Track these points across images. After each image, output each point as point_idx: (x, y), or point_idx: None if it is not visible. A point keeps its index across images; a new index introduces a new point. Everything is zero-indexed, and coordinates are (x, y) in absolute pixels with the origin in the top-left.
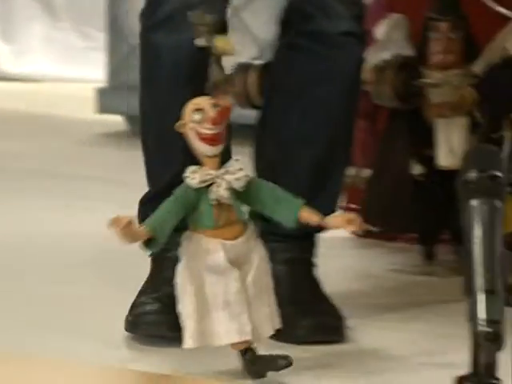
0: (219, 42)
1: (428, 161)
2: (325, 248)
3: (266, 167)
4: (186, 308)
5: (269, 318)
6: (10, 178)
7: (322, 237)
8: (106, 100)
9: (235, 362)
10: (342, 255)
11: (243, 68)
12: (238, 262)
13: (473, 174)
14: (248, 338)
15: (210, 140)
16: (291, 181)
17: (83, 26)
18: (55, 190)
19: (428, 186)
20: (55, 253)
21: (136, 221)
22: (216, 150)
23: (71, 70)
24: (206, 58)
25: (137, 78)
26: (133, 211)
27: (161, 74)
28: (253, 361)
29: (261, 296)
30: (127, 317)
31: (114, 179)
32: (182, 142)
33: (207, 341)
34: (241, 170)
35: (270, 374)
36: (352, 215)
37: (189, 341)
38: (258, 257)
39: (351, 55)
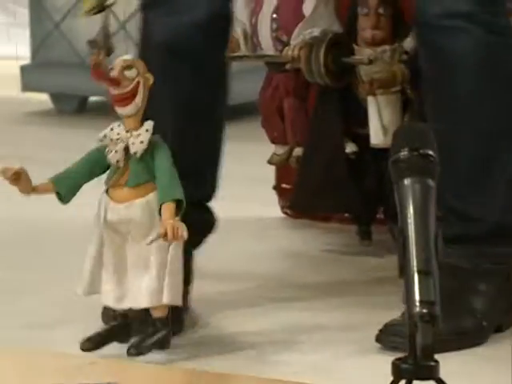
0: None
1: (361, 139)
2: (259, 228)
3: None
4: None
5: (149, 291)
6: None
7: (256, 217)
8: (30, 78)
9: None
10: (276, 235)
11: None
12: (119, 227)
13: (404, 153)
14: (108, 303)
15: (114, 101)
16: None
17: (5, 1)
18: None
19: (361, 165)
20: None
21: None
22: (123, 110)
23: None
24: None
25: (60, 55)
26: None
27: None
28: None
29: (141, 267)
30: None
31: (41, 158)
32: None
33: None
34: (139, 135)
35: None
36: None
37: (78, 289)
38: (156, 233)
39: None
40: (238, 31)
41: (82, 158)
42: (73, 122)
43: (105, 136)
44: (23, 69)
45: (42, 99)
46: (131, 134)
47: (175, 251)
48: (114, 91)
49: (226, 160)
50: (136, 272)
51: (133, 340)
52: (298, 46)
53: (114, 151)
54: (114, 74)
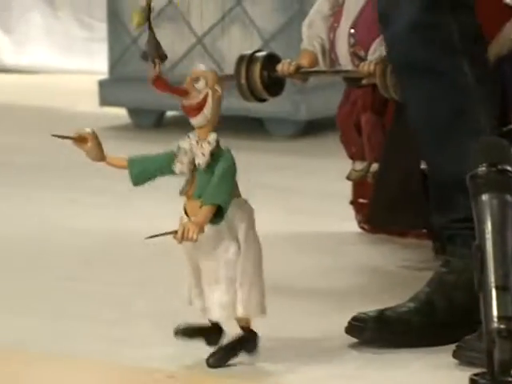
0: (133, 14)
1: None
2: (335, 243)
3: None
4: None
5: (216, 305)
6: (12, 173)
7: (333, 232)
8: (108, 92)
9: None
10: (353, 251)
11: (245, 60)
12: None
13: (482, 169)
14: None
15: (185, 112)
16: None
17: (83, 15)
18: (59, 185)
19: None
20: (62, 249)
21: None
22: (193, 121)
23: (71, 62)
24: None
25: (138, 69)
26: (133, 204)
27: None
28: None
29: (213, 281)
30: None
31: (118, 173)
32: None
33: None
34: (202, 147)
35: None
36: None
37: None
38: (224, 247)
39: None
40: (316, 46)
41: (162, 153)
42: (150, 136)
43: (179, 146)
44: (101, 83)
45: (120, 114)
46: (199, 146)
47: (244, 265)
48: (185, 102)
49: (302, 175)
50: (209, 286)
51: (213, 350)
52: (373, 62)
53: (180, 162)
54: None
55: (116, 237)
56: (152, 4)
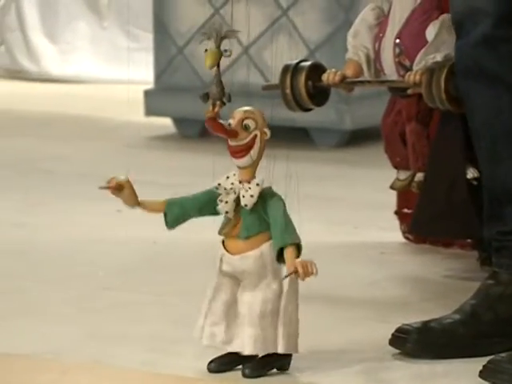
0: (207, 55)
1: None
2: (379, 253)
3: None
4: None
5: (252, 340)
6: (58, 183)
7: (376, 242)
8: (154, 102)
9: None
10: (397, 261)
11: (290, 69)
12: (234, 276)
13: None
14: (215, 345)
15: (230, 152)
16: None
17: (129, 25)
18: (105, 195)
19: (482, 191)
20: (108, 259)
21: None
22: (238, 162)
23: (117, 71)
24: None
25: (183, 79)
26: None
27: None
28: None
29: (248, 315)
30: None
31: (164, 183)
32: None
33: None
34: (250, 188)
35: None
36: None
37: (195, 333)
38: (265, 284)
39: None
40: (361, 56)
41: (199, 193)
42: (195, 146)
43: (219, 184)
44: (147, 93)
45: (165, 124)
46: (243, 186)
47: (287, 304)
48: (231, 142)
49: (347, 185)
50: (242, 322)
51: (249, 362)
52: (419, 71)
53: (224, 202)
54: (232, 124)
55: (158, 247)
56: (227, 49)
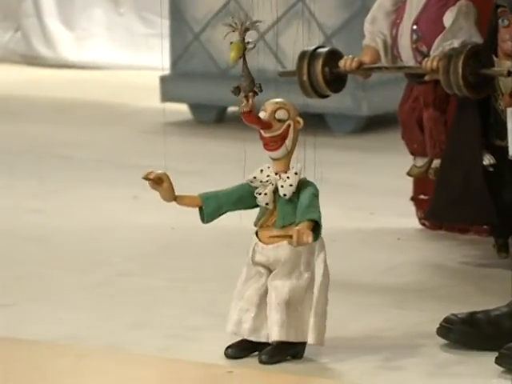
0: (232, 48)
1: (499, 151)
2: (397, 240)
3: None
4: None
5: (278, 325)
6: (75, 168)
7: (393, 228)
8: (170, 88)
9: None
10: (413, 247)
11: (307, 56)
12: (266, 266)
13: None
14: (240, 334)
15: (264, 144)
16: None
17: (145, 12)
18: (122, 181)
19: (499, 177)
20: (125, 245)
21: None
22: (272, 154)
23: (132, 57)
24: None
25: (200, 65)
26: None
27: None
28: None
29: (276, 304)
30: None
31: (180, 169)
32: None
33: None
34: (289, 178)
35: None
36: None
37: (228, 327)
38: (297, 273)
39: None
40: (378, 42)
41: (233, 187)
42: (212, 132)
43: (254, 177)
44: (163, 79)
45: (182, 110)
46: (280, 177)
47: (320, 296)
48: (265, 134)
49: (363, 171)
50: (270, 307)
51: (266, 349)
52: (436, 58)
53: (263, 193)
54: (265, 116)
55: (176, 233)
56: (251, 41)
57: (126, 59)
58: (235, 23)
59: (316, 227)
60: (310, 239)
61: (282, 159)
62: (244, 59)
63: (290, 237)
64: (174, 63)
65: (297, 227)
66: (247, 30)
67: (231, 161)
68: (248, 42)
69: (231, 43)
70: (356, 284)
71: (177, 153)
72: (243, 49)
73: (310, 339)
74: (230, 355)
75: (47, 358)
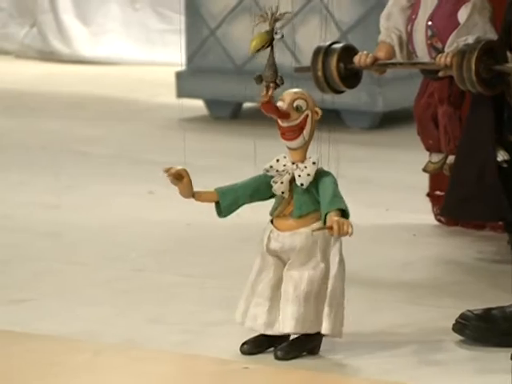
0: (254, 37)
1: None
2: (413, 236)
3: None
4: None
5: (294, 318)
6: (91, 164)
7: (408, 224)
8: (185, 84)
9: None
10: (428, 243)
11: (322, 51)
12: (281, 255)
13: None
14: (256, 329)
15: (282, 133)
16: None
17: (161, 7)
18: (137, 176)
19: None
20: (141, 240)
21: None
22: (289, 144)
23: (148, 53)
24: None
25: (215, 61)
26: None
27: None
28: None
29: (292, 295)
30: None
31: (195, 164)
32: None
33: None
34: (306, 167)
35: None
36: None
37: (236, 316)
38: (314, 263)
39: None
40: (393, 38)
41: (249, 179)
42: (227, 128)
43: (271, 167)
44: (178, 75)
45: (197, 105)
46: (297, 166)
47: (335, 286)
48: (283, 124)
49: (379, 167)
50: (286, 298)
51: (281, 345)
52: (450, 54)
53: (279, 182)
54: (283, 106)
55: (191, 229)
56: (280, 31)
57: (141, 55)
58: (266, 13)
59: (345, 217)
60: (351, 230)
61: (299, 149)
62: (271, 49)
63: (330, 228)
64: (190, 59)
65: (336, 218)
66: (277, 20)
67: (246, 157)
68: (276, 32)
69: (256, 35)
70: (372, 280)
71: (192, 149)
72: (267, 40)
73: (324, 329)
74: (245, 351)
75: (63, 354)
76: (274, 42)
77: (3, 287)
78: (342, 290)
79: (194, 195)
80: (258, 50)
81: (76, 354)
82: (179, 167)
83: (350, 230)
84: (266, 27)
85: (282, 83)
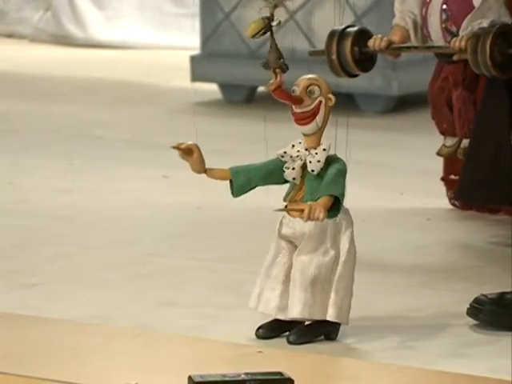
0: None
1: None
2: (426, 220)
3: None
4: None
5: (301, 303)
6: (104, 148)
7: (423, 208)
8: (199, 68)
9: None
10: (443, 227)
11: (337, 35)
12: (292, 240)
13: None
14: (267, 312)
15: (295, 119)
16: None
17: None
18: (151, 161)
19: None
20: (153, 224)
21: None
22: (302, 129)
23: (162, 37)
24: None
25: (230, 45)
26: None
27: None
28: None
29: (300, 280)
30: None
31: (209, 148)
32: None
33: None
34: (317, 153)
35: None
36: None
37: (251, 302)
38: (323, 249)
39: None
40: (408, 22)
41: (264, 162)
42: (241, 112)
43: (285, 152)
44: (193, 59)
45: (211, 89)
46: (310, 153)
47: (342, 272)
48: (296, 109)
49: (393, 151)
50: (294, 284)
51: (295, 329)
52: (465, 37)
53: (291, 168)
54: (297, 92)
55: (204, 213)
56: (277, 18)
57: (155, 39)
58: None
59: (337, 204)
60: (322, 216)
61: (312, 135)
62: (271, 34)
63: (302, 211)
64: (204, 43)
65: (310, 202)
66: (276, 6)
67: (260, 141)
68: (272, 19)
69: (254, 21)
70: (385, 264)
71: (206, 132)
72: (264, 25)
73: (329, 315)
74: (260, 335)
75: (77, 338)
76: (274, 28)
77: (16, 271)
78: (351, 277)
79: (205, 171)
80: (255, 36)
81: (89, 338)
82: (190, 142)
83: (321, 216)
84: (277, 12)
85: (287, 68)
